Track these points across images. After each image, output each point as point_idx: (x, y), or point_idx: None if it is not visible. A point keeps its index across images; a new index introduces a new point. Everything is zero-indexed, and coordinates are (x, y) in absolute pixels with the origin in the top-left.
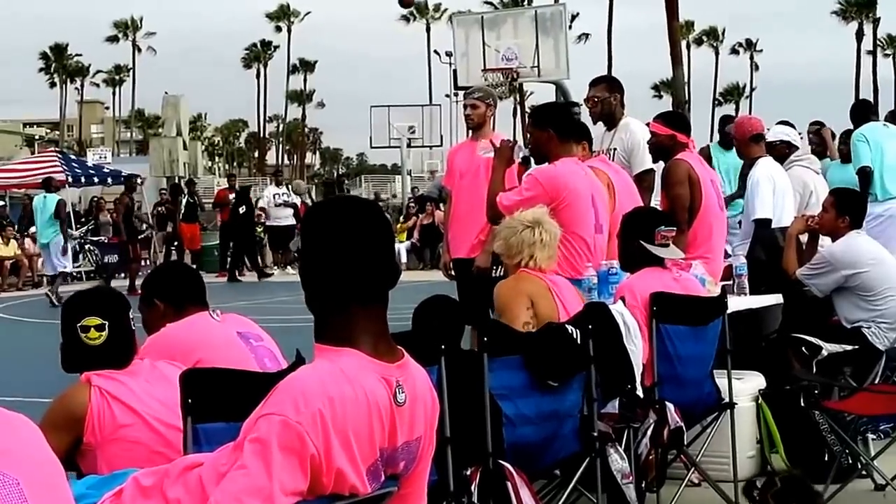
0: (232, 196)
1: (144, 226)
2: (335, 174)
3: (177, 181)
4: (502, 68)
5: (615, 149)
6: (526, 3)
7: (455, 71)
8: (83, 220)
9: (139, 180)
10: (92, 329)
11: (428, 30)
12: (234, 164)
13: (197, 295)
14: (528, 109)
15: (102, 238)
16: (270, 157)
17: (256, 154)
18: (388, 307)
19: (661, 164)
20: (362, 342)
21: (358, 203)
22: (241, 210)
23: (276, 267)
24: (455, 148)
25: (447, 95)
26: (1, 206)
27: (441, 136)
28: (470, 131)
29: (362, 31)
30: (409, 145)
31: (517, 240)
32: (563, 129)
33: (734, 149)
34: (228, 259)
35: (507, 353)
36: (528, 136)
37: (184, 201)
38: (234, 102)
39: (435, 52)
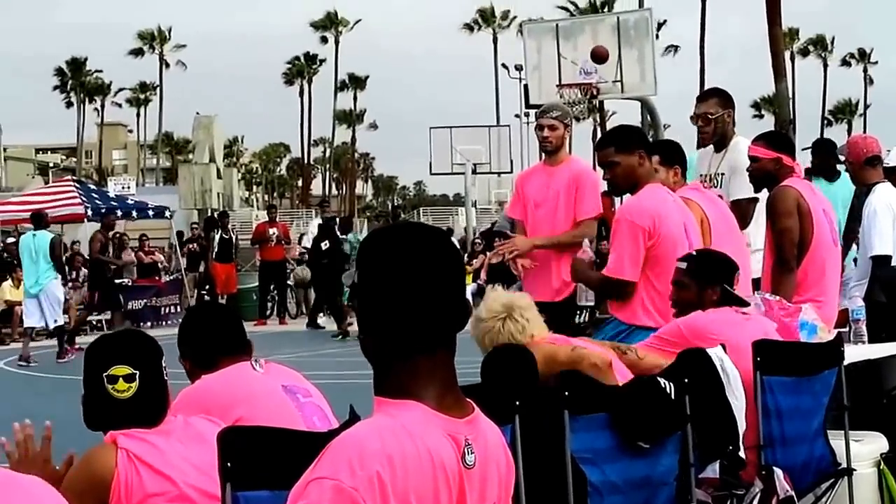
0: (272, 231)
1: (176, 264)
2: (389, 206)
3: (210, 214)
4: (580, 83)
5: (722, 173)
6: (606, 9)
7: (526, 87)
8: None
9: (168, 213)
10: (120, 380)
11: (495, 40)
12: (275, 194)
13: (232, 344)
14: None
15: (126, 280)
16: (316, 187)
17: (300, 183)
18: (455, 354)
19: (766, 192)
20: (427, 394)
21: (423, 230)
22: (325, 246)
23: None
24: (526, 173)
25: (517, 115)
26: (10, 242)
27: (511, 162)
28: (543, 155)
29: (420, 42)
30: (474, 172)
31: (504, 336)
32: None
33: (840, 176)
34: (269, 304)
35: (591, 411)
36: (609, 161)
37: (217, 237)
38: (274, 124)
39: (503, 65)
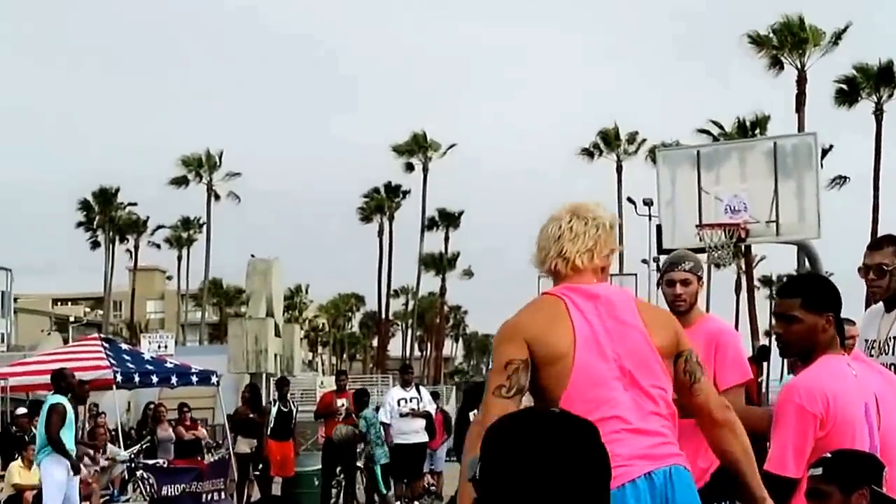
0: (341, 402)
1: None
2: (485, 370)
3: (265, 380)
4: (726, 223)
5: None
6: (758, 132)
7: (658, 227)
8: (134, 435)
9: (214, 378)
10: None
11: (619, 169)
12: (344, 356)
13: None
14: (756, 283)
15: (160, 461)
16: (395, 347)
17: (375, 342)
18: None
19: None
20: None
21: (564, 421)
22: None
23: (398, 502)
24: None
25: (644, 261)
26: (20, 414)
27: None
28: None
29: (527, 172)
30: None
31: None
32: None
33: None
34: (335, 490)
35: None
36: (788, 315)
37: (274, 410)
38: (346, 271)
39: (629, 199)
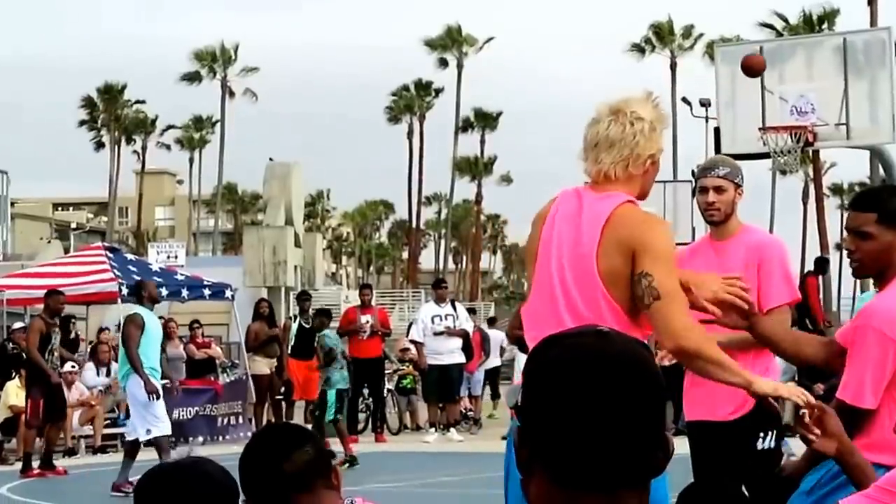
0: (366, 318)
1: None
2: (525, 285)
3: (284, 294)
4: (791, 126)
5: None
6: (826, 26)
7: (717, 130)
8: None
9: (229, 292)
10: None
11: (673, 66)
12: (371, 269)
13: (312, 478)
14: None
15: (171, 381)
16: (427, 259)
17: (405, 254)
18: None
19: None
20: None
21: (612, 342)
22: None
23: (433, 429)
24: (687, 252)
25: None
26: (18, 329)
27: (693, 229)
28: (708, 227)
29: (571, 68)
30: None
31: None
32: (883, 208)
33: None
34: (363, 414)
35: None
36: (861, 231)
37: (295, 326)
38: (372, 176)
39: (684, 99)
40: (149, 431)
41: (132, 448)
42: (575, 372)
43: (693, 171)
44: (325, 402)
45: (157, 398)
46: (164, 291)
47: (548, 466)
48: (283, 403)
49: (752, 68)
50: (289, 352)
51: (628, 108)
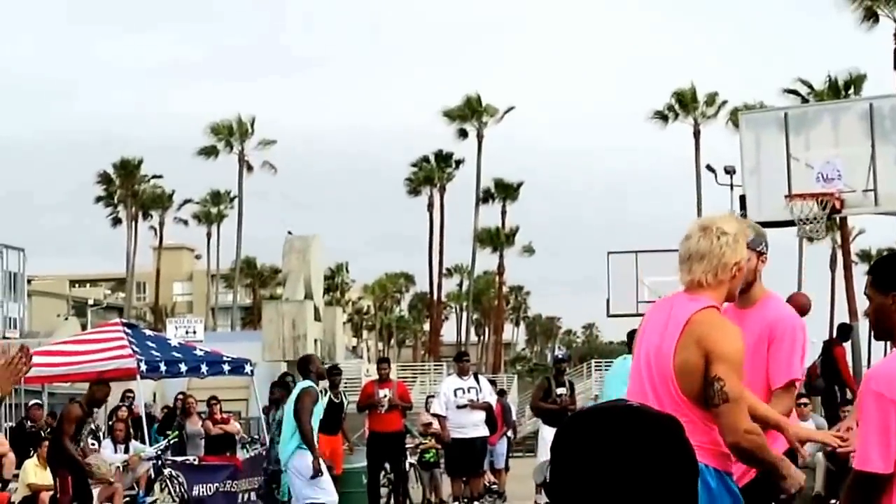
0: (384, 392)
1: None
2: (549, 357)
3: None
4: (818, 193)
5: None
6: (853, 91)
7: (742, 198)
8: (162, 429)
9: (248, 368)
10: None
11: (696, 133)
12: (392, 342)
13: None
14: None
15: (190, 458)
16: (449, 332)
17: (427, 327)
18: None
19: None
20: None
21: (645, 418)
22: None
23: (457, 503)
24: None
25: None
26: (34, 405)
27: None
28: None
29: (593, 137)
30: None
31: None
32: (877, 273)
33: None
34: (386, 489)
35: None
36: (866, 295)
37: (324, 401)
38: (393, 248)
39: (708, 167)
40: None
41: None
42: (604, 442)
43: None
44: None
45: (318, 475)
46: (184, 367)
47: None
48: None
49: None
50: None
51: (714, 224)
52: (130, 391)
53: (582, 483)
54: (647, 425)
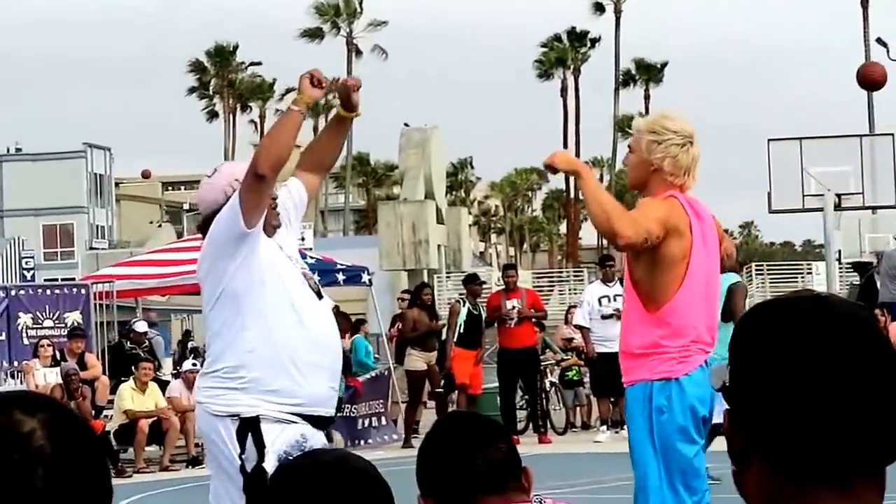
0: (511, 303)
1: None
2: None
3: (426, 278)
4: None
5: None
6: None
7: None
8: None
9: (364, 277)
10: None
11: (864, 4)
12: (525, 246)
13: (499, 476)
14: None
15: None
16: (588, 234)
17: (564, 229)
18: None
19: None
20: None
21: (838, 308)
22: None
23: (604, 426)
24: None
25: None
26: (131, 324)
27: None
28: None
29: (747, 13)
30: (837, 207)
31: (687, 158)
32: None
33: None
34: (525, 411)
35: None
36: None
37: (464, 312)
38: (523, 140)
39: (878, 40)
40: None
41: None
42: (795, 339)
43: None
44: None
45: None
46: None
47: (770, 456)
48: (445, 397)
49: (872, 82)
50: (455, 340)
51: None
52: None
53: (769, 381)
54: (838, 312)
